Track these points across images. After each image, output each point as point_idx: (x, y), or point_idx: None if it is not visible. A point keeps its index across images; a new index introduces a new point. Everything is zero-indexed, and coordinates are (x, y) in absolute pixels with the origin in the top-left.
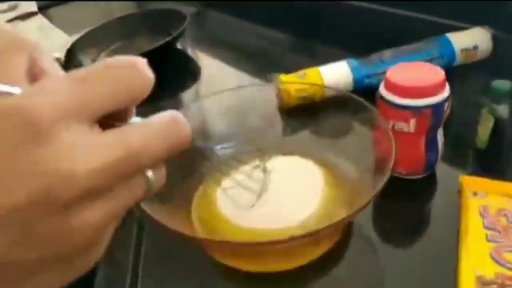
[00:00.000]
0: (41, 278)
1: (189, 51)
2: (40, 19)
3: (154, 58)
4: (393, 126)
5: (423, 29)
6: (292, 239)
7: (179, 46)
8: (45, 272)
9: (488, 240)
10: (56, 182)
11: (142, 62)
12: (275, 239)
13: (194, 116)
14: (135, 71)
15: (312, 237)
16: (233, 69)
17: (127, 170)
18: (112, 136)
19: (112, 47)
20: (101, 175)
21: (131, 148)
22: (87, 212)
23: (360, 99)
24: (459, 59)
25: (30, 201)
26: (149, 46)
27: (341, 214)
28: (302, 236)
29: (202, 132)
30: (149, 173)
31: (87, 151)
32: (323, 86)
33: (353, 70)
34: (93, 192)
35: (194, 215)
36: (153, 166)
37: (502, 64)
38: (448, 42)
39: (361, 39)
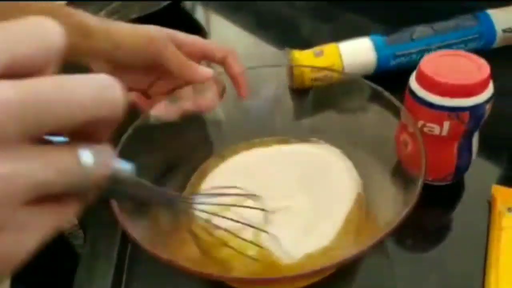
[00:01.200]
0: None
1: (197, 15)
2: None
3: (156, 21)
4: (422, 127)
5: (461, 2)
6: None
7: (187, 9)
8: None
9: None
10: None
11: None
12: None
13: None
14: None
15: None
16: (245, 35)
17: (33, 120)
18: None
19: (113, 5)
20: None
21: (38, 90)
22: None
23: (385, 92)
24: (499, 40)
25: None
26: (150, 7)
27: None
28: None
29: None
30: (83, 151)
31: None
32: (341, 73)
33: (377, 48)
34: None
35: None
36: (75, 121)
37: None
38: (489, 20)
39: (391, 10)
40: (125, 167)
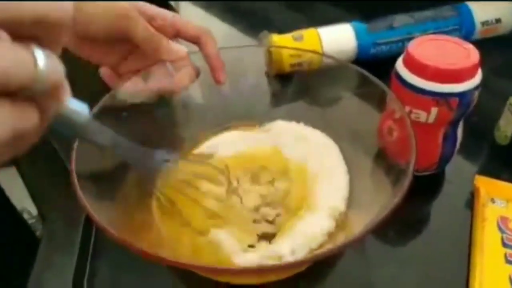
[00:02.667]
0: None
1: (172, 2)
2: None
3: None
4: (408, 114)
5: None
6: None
7: None
8: None
9: (507, 262)
10: None
11: None
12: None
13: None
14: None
15: None
16: (219, 25)
17: None
18: None
19: None
20: None
21: None
22: None
23: (371, 76)
24: (478, 33)
25: None
26: None
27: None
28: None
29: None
30: (38, 50)
31: None
32: (322, 55)
33: (358, 35)
34: None
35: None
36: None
37: None
38: (469, 12)
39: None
40: (80, 105)
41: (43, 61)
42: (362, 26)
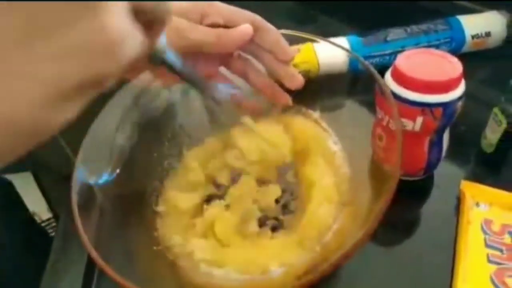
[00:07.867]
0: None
1: None
2: None
3: None
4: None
5: (433, 7)
6: None
7: None
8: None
9: (489, 261)
10: None
11: None
12: None
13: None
14: None
15: None
16: None
17: None
18: None
19: None
20: None
21: None
22: None
23: (376, 76)
24: (468, 46)
25: None
26: None
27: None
28: None
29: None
30: None
31: None
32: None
33: (353, 48)
34: None
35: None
36: None
37: None
38: (459, 26)
39: (367, 13)
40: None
41: None
42: (358, 39)
